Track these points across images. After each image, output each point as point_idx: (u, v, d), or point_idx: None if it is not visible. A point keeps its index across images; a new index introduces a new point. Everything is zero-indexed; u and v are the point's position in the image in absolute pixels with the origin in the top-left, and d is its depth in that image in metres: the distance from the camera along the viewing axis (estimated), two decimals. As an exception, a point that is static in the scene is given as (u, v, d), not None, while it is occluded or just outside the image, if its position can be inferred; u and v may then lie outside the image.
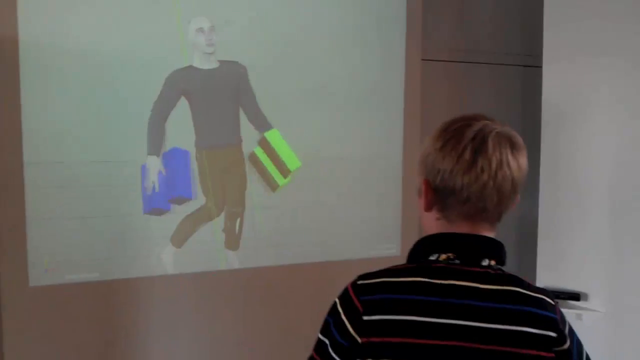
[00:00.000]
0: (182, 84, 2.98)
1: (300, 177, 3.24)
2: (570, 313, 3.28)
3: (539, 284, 3.38)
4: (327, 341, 1.38)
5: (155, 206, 2.97)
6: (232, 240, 3.13)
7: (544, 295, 1.37)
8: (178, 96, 2.98)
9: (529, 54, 3.59)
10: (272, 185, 3.20)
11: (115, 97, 2.87)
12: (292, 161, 3.22)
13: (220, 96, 3.08)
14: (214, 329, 3.12)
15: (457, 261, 1.34)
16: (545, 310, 1.34)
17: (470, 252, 1.35)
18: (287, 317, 3.18)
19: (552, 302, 1.38)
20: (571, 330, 1.42)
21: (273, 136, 3.18)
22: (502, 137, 1.35)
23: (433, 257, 1.35)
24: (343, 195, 3.34)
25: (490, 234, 1.39)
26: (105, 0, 2.82)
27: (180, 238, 3.02)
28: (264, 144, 3.17)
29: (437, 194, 1.36)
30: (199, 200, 3.05)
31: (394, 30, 3.44)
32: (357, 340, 1.31)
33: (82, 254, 2.86)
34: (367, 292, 1.33)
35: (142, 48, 2.90)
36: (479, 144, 1.32)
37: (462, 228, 1.36)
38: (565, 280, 3.34)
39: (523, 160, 1.38)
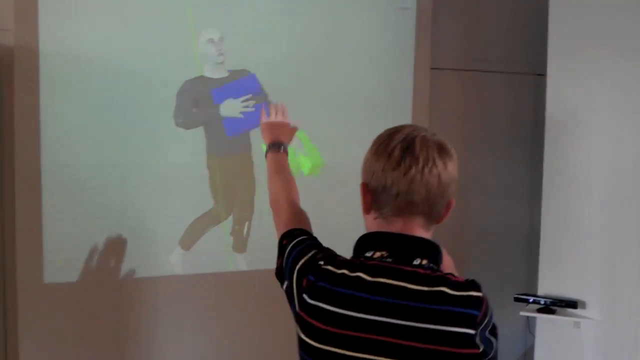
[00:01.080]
0: (194, 93, 3.08)
1: (307, 181, 3.31)
2: (567, 321, 3.36)
3: (540, 291, 3.46)
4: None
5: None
6: (240, 244, 3.23)
7: (470, 291, 1.41)
8: (192, 104, 3.10)
9: (537, 63, 3.64)
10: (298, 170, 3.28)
11: (128, 104, 2.99)
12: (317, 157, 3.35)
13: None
14: (222, 328, 3.22)
15: (389, 259, 1.42)
16: (466, 308, 1.39)
17: (402, 250, 1.42)
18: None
19: (478, 297, 1.41)
20: (489, 324, 1.46)
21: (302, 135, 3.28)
22: (429, 141, 1.42)
23: (368, 254, 1.44)
24: (350, 200, 3.41)
25: (424, 233, 1.46)
26: (121, 13, 2.94)
27: (189, 240, 3.12)
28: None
29: (372, 195, 1.45)
30: (208, 203, 3.15)
31: (403, 39, 3.51)
32: (295, 298, 1.49)
33: (97, 252, 2.97)
34: (310, 272, 1.45)
35: (155, 58, 3.02)
36: (407, 144, 1.40)
37: (396, 224, 1.44)
38: (565, 288, 3.41)
39: (450, 163, 1.43)
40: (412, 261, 1.41)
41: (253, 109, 3.16)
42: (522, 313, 3.45)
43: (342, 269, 1.42)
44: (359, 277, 1.40)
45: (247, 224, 3.23)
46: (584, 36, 3.32)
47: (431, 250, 1.44)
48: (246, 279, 3.23)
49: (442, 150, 1.42)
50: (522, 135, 4.05)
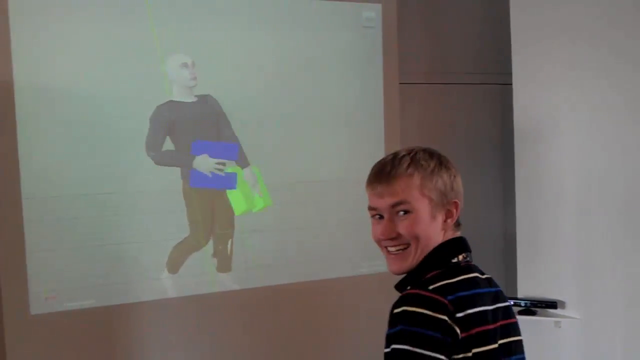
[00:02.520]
0: (167, 117, 3.13)
1: (286, 199, 3.37)
2: (549, 321, 3.42)
3: (520, 294, 3.53)
4: (426, 352, 1.41)
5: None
6: (225, 263, 3.27)
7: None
8: (165, 129, 3.14)
9: (504, 73, 3.72)
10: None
11: (104, 133, 3.03)
12: (265, 200, 3.38)
13: (201, 127, 3.23)
14: (214, 350, 3.24)
15: (468, 258, 1.62)
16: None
17: (469, 250, 1.65)
18: (284, 334, 3.32)
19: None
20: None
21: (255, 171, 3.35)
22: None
23: (455, 260, 1.59)
24: (328, 215, 3.47)
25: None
26: (91, 44, 3.00)
27: (173, 265, 3.16)
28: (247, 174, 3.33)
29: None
30: (185, 230, 3.19)
31: (371, 55, 3.59)
32: (457, 334, 1.43)
33: (79, 281, 3.00)
34: (447, 292, 1.46)
35: (127, 86, 3.07)
36: (450, 166, 1.64)
37: (455, 232, 1.65)
38: (544, 289, 3.48)
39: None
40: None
41: (223, 174, 3.22)
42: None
43: (458, 276, 1.55)
44: (473, 278, 1.58)
45: (229, 242, 3.27)
46: (546, 44, 3.41)
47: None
48: (233, 298, 3.26)
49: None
50: (493, 143, 4.14)
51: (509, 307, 1.64)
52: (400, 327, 1.42)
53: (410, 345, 1.40)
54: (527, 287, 3.53)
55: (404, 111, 3.71)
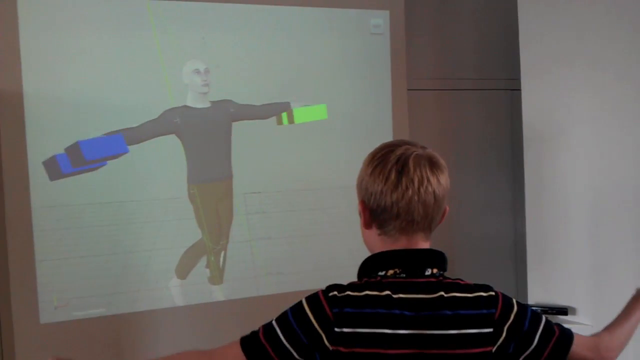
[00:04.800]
0: (177, 120, 3.14)
1: (295, 206, 3.37)
2: (560, 327, 3.39)
3: (530, 300, 3.50)
4: (279, 331, 1.52)
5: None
6: (216, 275, 3.26)
7: (481, 292, 1.52)
8: (169, 129, 3.14)
9: (512, 78, 3.72)
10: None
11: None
12: (321, 113, 3.42)
13: (212, 133, 3.24)
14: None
15: (403, 275, 1.51)
16: (481, 309, 1.49)
17: (413, 265, 1.52)
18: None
19: (491, 295, 1.52)
20: (520, 313, 1.55)
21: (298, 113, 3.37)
22: (422, 158, 1.53)
23: (382, 273, 1.52)
24: (336, 223, 3.46)
25: (426, 244, 1.56)
26: (100, 54, 3.01)
27: (182, 270, 3.16)
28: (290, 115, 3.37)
29: (372, 213, 1.55)
30: (196, 234, 3.19)
31: (379, 63, 3.59)
32: (325, 346, 1.46)
33: (88, 290, 3.01)
34: (337, 305, 1.47)
35: (136, 95, 3.08)
36: (402, 166, 1.50)
37: (400, 241, 1.53)
38: (555, 296, 3.45)
39: (442, 176, 1.55)
40: (424, 272, 1.51)
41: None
42: (514, 323, 3.48)
43: (364, 291, 1.48)
44: (381, 296, 1.47)
45: (222, 254, 3.27)
46: (555, 49, 3.39)
47: (439, 259, 1.55)
48: (243, 306, 3.27)
49: (434, 165, 1.54)
50: (502, 149, 4.13)
51: (455, 335, 1.45)
52: (288, 308, 1.54)
53: (275, 321, 1.54)
54: (537, 293, 3.50)
55: (412, 118, 3.71)
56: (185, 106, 3.17)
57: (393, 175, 1.49)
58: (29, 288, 2.89)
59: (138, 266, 3.09)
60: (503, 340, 1.51)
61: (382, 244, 1.56)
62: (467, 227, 3.93)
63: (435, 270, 1.52)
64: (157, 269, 3.12)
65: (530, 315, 1.57)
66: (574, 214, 3.40)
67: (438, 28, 4.00)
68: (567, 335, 1.65)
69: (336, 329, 1.45)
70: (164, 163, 3.14)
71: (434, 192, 1.50)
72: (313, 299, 1.51)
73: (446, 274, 1.58)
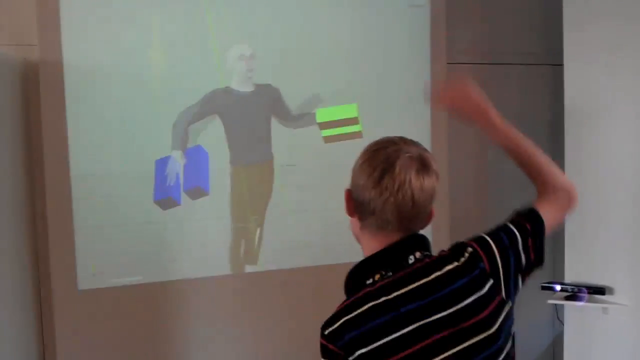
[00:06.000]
0: (218, 102, 3.15)
1: (329, 181, 3.35)
2: (596, 307, 3.36)
3: (567, 279, 3.47)
4: None
5: (168, 196, 3.11)
6: (251, 255, 3.28)
7: (464, 254, 1.51)
8: (211, 111, 3.16)
9: (555, 53, 3.64)
10: (357, 136, 3.37)
11: (153, 114, 3.06)
12: (350, 111, 3.38)
13: (254, 116, 3.24)
14: (255, 328, 3.26)
15: (389, 273, 1.49)
16: (474, 270, 1.48)
17: (394, 260, 1.50)
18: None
19: (472, 252, 1.51)
20: (497, 243, 1.55)
21: (322, 114, 3.34)
22: (411, 160, 1.49)
23: (369, 282, 1.50)
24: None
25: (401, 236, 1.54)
26: (142, 25, 3.02)
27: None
28: (322, 125, 3.34)
29: (355, 204, 1.54)
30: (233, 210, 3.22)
31: (419, 35, 3.55)
32: None
33: (126, 258, 3.05)
34: (338, 338, 1.46)
35: (179, 69, 3.10)
36: (388, 165, 1.48)
37: (378, 237, 1.52)
38: (592, 275, 3.42)
39: (428, 181, 1.50)
40: (408, 261, 1.50)
41: (171, 184, 3.13)
42: (549, 301, 3.46)
43: (361, 307, 1.46)
44: (372, 306, 1.46)
45: (258, 232, 3.28)
46: (600, 22, 3.32)
47: (418, 242, 1.53)
48: (276, 277, 3.28)
49: (422, 169, 1.50)
50: (543, 125, 4.06)
51: (458, 310, 1.45)
52: None
53: None
54: (574, 273, 3.47)
55: (451, 92, 3.65)
56: (229, 88, 3.17)
57: (377, 173, 1.48)
58: (67, 255, 2.94)
59: (174, 236, 3.12)
60: (504, 278, 1.51)
61: (363, 237, 1.56)
62: (504, 204, 3.87)
63: (418, 254, 1.51)
64: (193, 239, 3.14)
65: (503, 234, 1.59)
66: (614, 193, 3.35)
67: (479, 0, 3.93)
68: (539, 223, 1.70)
69: (350, 358, 1.45)
70: (204, 137, 3.15)
71: (412, 196, 1.47)
72: (321, 348, 1.51)
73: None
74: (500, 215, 1.71)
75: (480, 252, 1.52)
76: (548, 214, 1.71)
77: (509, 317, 1.50)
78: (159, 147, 3.07)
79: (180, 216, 3.12)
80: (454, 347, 1.43)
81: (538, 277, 3.63)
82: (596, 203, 3.39)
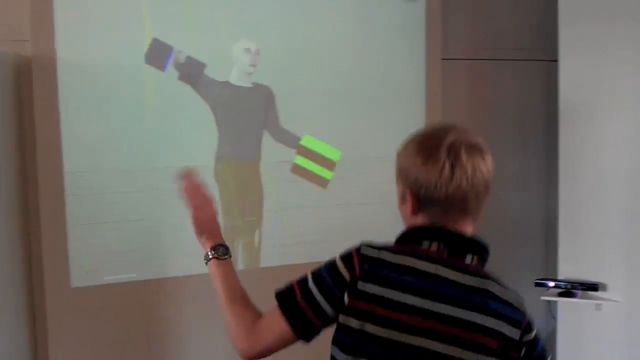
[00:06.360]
0: (214, 92, 3.13)
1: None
2: (589, 304, 3.37)
3: (560, 275, 3.48)
4: (316, 292, 1.54)
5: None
6: (253, 257, 3.28)
7: (512, 301, 1.50)
8: (204, 95, 3.13)
9: (550, 49, 3.64)
10: (322, 183, 3.36)
11: (146, 109, 3.04)
12: (333, 154, 3.36)
13: (248, 113, 3.22)
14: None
15: (446, 251, 1.50)
16: (511, 312, 1.48)
17: (457, 246, 1.51)
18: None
19: (520, 308, 1.51)
20: (536, 339, 1.53)
21: (308, 141, 3.32)
22: (472, 147, 1.50)
23: (425, 245, 1.51)
24: (369, 193, 3.45)
25: (470, 229, 1.55)
26: (133, 23, 2.99)
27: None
28: (302, 150, 3.32)
29: (421, 202, 1.53)
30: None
31: (414, 30, 3.53)
32: (343, 298, 1.49)
33: (120, 256, 3.03)
34: (369, 262, 1.48)
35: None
36: (455, 158, 1.48)
37: (450, 224, 1.52)
38: (585, 271, 3.42)
39: (490, 162, 1.53)
40: (465, 257, 1.51)
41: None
42: (543, 298, 3.47)
43: (404, 257, 1.49)
44: (414, 267, 1.47)
45: (257, 232, 3.27)
46: (595, 18, 3.31)
47: (482, 250, 1.54)
48: (273, 274, 3.24)
49: (482, 152, 1.52)
50: (537, 121, 4.06)
51: (480, 325, 1.43)
52: (323, 266, 1.57)
53: (314, 283, 1.55)
54: (567, 269, 3.47)
55: (446, 87, 3.65)
56: (227, 82, 3.15)
57: (447, 168, 1.47)
58: (60, 252, 2.92)
59: (169, 233, 3.10)
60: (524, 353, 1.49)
61: (430, 222, 1.55)
62: (498, 201, 3.86)
63: (476, 259, 1.52)
64: (188, 236, 3.11)
65: (539, 349, 1.55)
66: (608, 190, 3.35)
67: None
68: None
69: (359, 285, 1.47)
70: (196, 131, 3.13)
71: (485, 181, 1.50)
72: (346, 254, 1.54)
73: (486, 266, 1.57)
74: (492, 214, 1.72)
75: (526, 321, 1.50)
76: None
77: None
78: (152, 142, 3.05)
79: (174, 212, 3.10)
80: (449, 345, 1.44)
81: (532, 273, 3.66)
82: (590, 199, 3.40)
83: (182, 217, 3.06)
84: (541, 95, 4.04)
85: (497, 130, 3.93)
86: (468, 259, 1.50)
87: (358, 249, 1.52)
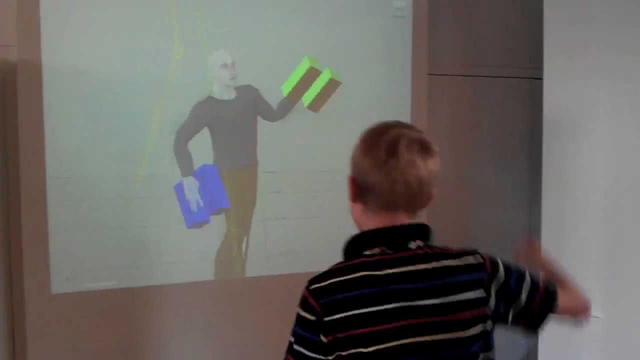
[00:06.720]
0: (207, 115, 3.15)
1: (311, 187, 3.36)
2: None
3: (542, 291, 3.47)
4: (301, 348, 1.54)
5: (198, 220, 3.16)
6: (239, 266, 3.26)
7: (470, 257, 1.60)
8: (202, 126, 3.16)
9: (535, 67, 3.68)
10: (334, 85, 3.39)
11: (132, 117, 3.04)
12: (304, 66, 3.34)
13: (239, 122, 3.23)
14: (232, 335, 3.24)
15: (389, 251, 1.55)
16: (471, 273, 1.56)
17: (396, 240, 1.56)
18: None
19: (480, 261, 1.60)
20: (506, 273, 1.64)
21: (286, 86, 3.32)
22: (414, 142, 1.56)
23: (368, 252, 1.56)
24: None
25: (407, 221, 1.59)
26: (124, 27, 3.00)
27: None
28: (291, 93, 3.33)
29: (359, 189, 1.60)
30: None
31: (400, 45, 3.56)
32: (322, 340, 1.49)
33: (101, 263, 3.01)
34: (322, 295, 1.51)
35: (160, 72, 3.07)
36: (392, 148, 1.55)
37: (384, 218, 1.57)
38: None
39: (431, 161, 1.57)
40: (408, 246, 1.55)
41: (195, 210, 3.18)
42: (525, 313, 3.46)
43: (351, 274, 1.52)
44: (364, 276, 1.51)
45: (245, 240, 3.27)
46: (580, 39, 3.34)
47: (422, 232, 1.59)
48: (254, 284, 3.26)
49: (424, 149, 1.57)
50: (521, 139, 4.09)
51: (449, 303, 1.50)
52: (294, 324, 1.58)
53: (296, 342, 1.56)
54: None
55: (432, 103, 3.67)
56: (211, 98, 3.16)
57: (382, 156, 1.53)
58: (41, 258, 2.90)
59: (151, 241, 3.10)
60: (493, 301, 1.57)
61: (365, 219, 1.61)
62: (481, 217, 3.90)
63: (419, 242, 1.56)
64: (170, 245, 3.12)
65: (516, 275, 1.66)
66: (591, 208, 3.37)
67: (461, 13, 3.96)
68: (551, 292, 1.78)
69: (325, 319, 1.48)
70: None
71: (419, 176, 1.53)
72: (301, 299, 1.56)
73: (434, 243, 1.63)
74: (479, 222, 1.75)
75: (488, 265, 1.60)
76: (563, 303, 1.82)
77: (485, 336, 1.55)
78: (137, 151, 3.05)
79: (157, 221, 3.09)
80: (429, 335, 1.48)
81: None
82: (571, 216, 3.42)
83: (164, 225, 3.10)
84: (526, 112, 4.07)
85: (482, 146, 3.96)
86: (412, 245, 1.55)
87: (307, 288, 1.55)
